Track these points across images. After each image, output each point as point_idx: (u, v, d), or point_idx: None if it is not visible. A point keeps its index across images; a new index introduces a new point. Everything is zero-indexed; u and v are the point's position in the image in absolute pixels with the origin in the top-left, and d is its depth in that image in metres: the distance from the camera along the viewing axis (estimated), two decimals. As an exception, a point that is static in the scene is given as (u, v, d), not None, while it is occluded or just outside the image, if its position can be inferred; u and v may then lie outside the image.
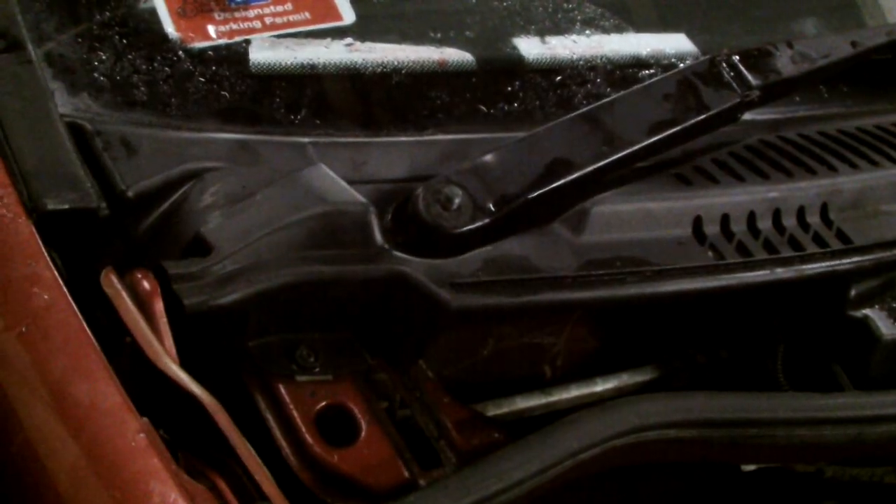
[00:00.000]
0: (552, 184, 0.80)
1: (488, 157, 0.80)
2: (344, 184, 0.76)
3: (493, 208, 0.78)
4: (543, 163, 0.81)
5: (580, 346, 0.90)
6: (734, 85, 0.90)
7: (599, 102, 0.87)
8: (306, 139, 0.82)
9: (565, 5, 1.05)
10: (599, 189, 0.84)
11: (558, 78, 0.96)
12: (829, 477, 0.95)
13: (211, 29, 0.87)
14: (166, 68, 0.84)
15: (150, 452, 0.58)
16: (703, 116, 0.88)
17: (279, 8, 0.90)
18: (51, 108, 0.74)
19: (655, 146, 0.86)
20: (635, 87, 0.90)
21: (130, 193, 0.72)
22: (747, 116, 0.93)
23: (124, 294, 0.65)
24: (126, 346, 0.64)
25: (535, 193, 0.79)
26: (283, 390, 0.69)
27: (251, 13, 0.89)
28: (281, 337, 0.71)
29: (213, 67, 0.85)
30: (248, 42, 0.88)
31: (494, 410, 0.85)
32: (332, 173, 0.77)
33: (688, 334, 0.92)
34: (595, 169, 0.82)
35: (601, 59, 0.99)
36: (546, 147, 0.82)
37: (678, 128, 0.86)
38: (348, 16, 0.92)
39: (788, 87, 0.97)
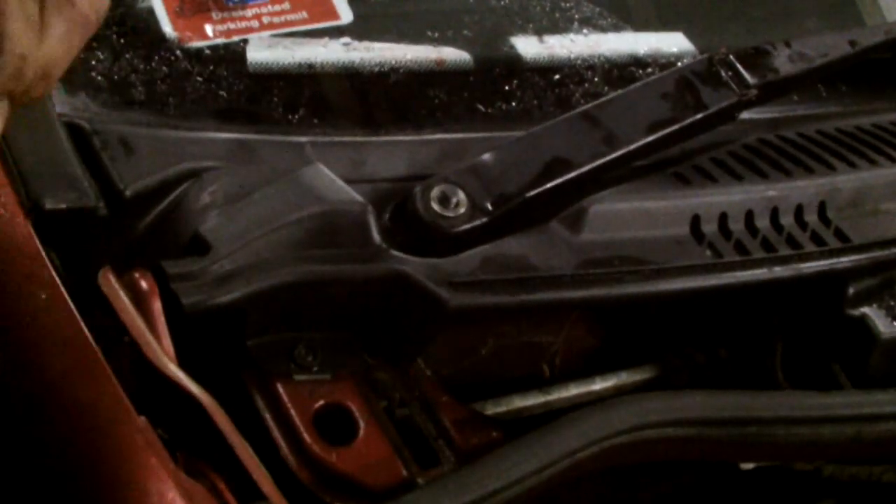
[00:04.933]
0: (550, 182, 0.80)
1: (486, 157, 0.80)
2: (342, 183, 0.76)
3: (490, 207, 0.78)
4: (541, 162, 0.81)
5: (579, 345, 0.90)
6: (732, 84, 0.91)
7: (597, 101, 0.87)
8: (304, 138, 0.82)
9: (563, 4, 1.05)
10: (597, 188, 0.84)
11: (556, 77, 0.96)
12: (828, 475, 0.95)
13: (208, 28, 0.87)
14: (164, 68, 0.84)
15: (148, 452, 0.58)
16: (701, 115, 0.88)
17: (276, 7, 0.90)
18: (49, 108, 0.74)
19: (653, 145, 0.86)
20: (633, 85, 0.90)
21: (128, 193, 0.72)
22: (745, 115, 0.93)
23: (122, 293, 0.65)
24: (124, 346, 0.64)
25: (533, 192, 0.79)
26: (281, 390, 0.69)
27: (249, 13, 0.89)
28: (279, 336, 0.71)
29: (211, 67, 0.85)
30: (245, 41, 0.88)
31: (493, 409, 0.85)
32: (330, 173, 0.77)
33: (686, 333, 0.92)
34: (593, 168, 0.82)
35: (599, 58, 0.99)
36: (544, 146, 0.82)
37: (676, 126, 0.86)
38: (346, 15, 0.92)
39: (786, 86, 0.97)
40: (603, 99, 0.88)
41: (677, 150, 0.90)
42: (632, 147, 0.84)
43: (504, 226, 0.79)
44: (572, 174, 0.81)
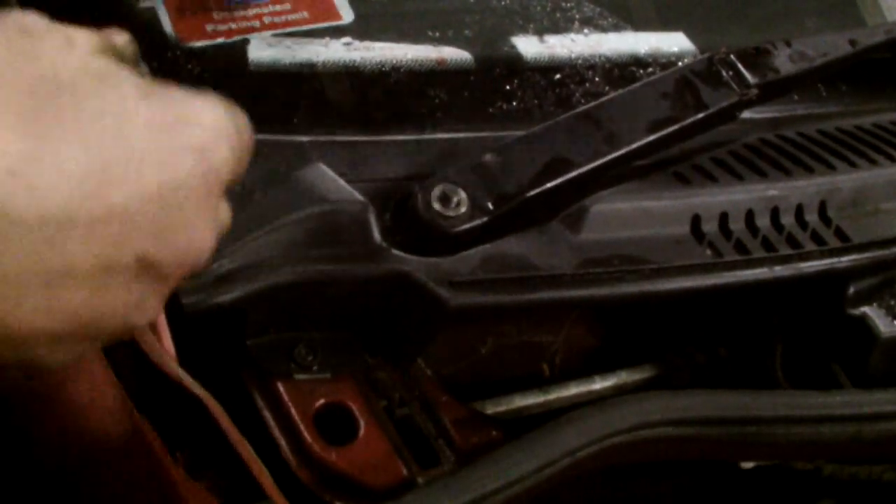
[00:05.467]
0: (551, 182, 0.80)
1: (487, 156, 0.80)
2: (343, 182, 0.77)
3: (491, 207, 0.78)
4: (542, 161, 0.81)
5: (579, 345, 0.90)
6: (733, 83, 0.90)
7: (598, 101, 0.87)
8: (305, 138, 0.82)
9: (564, 4, 1.05)
10: (598, 187, 0.84)
11: (557, 77, 0.96)
12: (828, 475, 0.95)
13: (210, 28, 0.87)
14: (165, 67, 0.84)
15: (148, 451, 0.59)
16: (701, 115, 0.88)
17: (278, 7, 0.90)
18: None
19: (654, 144, 0.86)
20: (633, 85, 0.89)
21: (129, 193, 0.72)
22: (746, 115, 0.93)
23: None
24: (124, 346, 0.64)
25: (534, 192, 0.79)
26: (281, 389, 0.69)
27: (250, 12, 0.89)
28: (279, 336, 0.71)
29: (212, 66, 0.85)
30: (246, 41, 0.88)
31: (493, 409, 0.85)
32: (330, 172, 0.77)
33: (687, 332, 0.92)
34: (593, 167, 0.82)
35: (600, 57, 0.99)
36: (544, 145, 0.82)
37: (677, 126, 0.86)
38: (347, 15, 0.92)
39: (787, 85, 0.97)
40: (603, 99, 0.88)
41: (677, 150, 0.90)
42: (632, 147, 0.84)
43: (505, 225, 0.79)
44: (573, 174, 0.81)
